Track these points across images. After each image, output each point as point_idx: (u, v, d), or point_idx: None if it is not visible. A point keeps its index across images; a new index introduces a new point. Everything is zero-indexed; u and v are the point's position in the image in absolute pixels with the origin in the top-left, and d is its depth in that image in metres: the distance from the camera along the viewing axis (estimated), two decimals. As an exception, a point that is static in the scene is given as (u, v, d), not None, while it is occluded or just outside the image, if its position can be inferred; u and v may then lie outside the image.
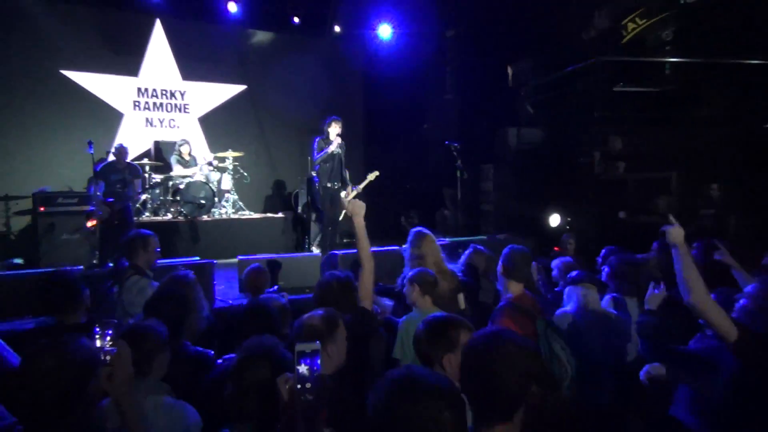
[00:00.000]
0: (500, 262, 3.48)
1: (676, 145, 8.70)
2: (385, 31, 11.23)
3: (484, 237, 8.27)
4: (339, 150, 7.59)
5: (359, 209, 3.03)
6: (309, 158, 8.48)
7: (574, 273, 3.80)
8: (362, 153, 12.01)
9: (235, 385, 1.94)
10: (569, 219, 8.33)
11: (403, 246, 4.35)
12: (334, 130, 7.59)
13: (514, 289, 3.40)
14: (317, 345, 1.85)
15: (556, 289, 4.43)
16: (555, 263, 4.78)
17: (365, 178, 8.74)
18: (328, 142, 7.56)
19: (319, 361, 1.79)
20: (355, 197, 8.73)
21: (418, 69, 11.86)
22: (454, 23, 11.89)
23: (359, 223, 3.03)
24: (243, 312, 3.01)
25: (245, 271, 4.53)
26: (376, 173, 8.59)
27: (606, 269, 4.06)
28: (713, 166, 8.11)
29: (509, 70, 10.84)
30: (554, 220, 8.22)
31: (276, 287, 5.18)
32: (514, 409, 1.60)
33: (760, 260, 4.38)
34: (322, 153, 7.53)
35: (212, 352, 2.89)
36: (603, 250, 4.76)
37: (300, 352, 1.81)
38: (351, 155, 9.93)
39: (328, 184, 7.72)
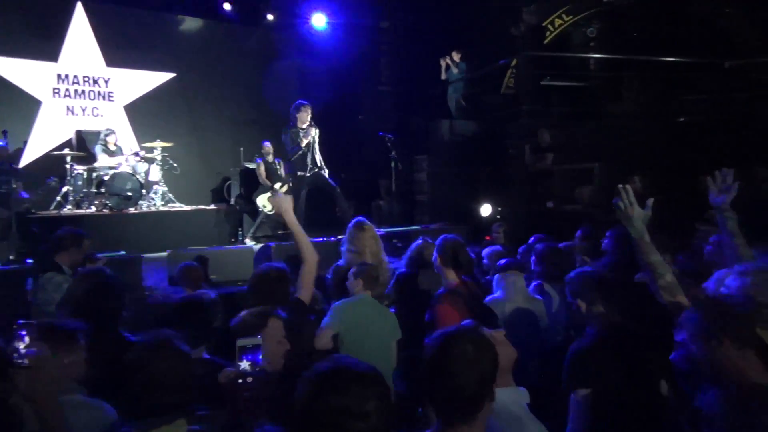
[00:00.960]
0: (435, 252, 3.54)
1: (599, 137, 9.10)
2: (319, 20, 11.11)
3: (418, 227, 8.39)
4: (312, 138, 7.28)
5: (286, 204, 2.97)
6: (282, 154, 8.12)
7: (502, 261, 3.92)
8: (297, 144, 11.88)
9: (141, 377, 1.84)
10: (500, 209, 8.57)
11: (341, 237, 4.35)
12: (304, 116, 7.22)
13: (452, 276, 3.47)
14: (259, 340, 1.85)
15: (487, 277, 4.55)
16: (485, 252, 4.91)
17: None
18: (299, 133, 7.20)
19: (260, 356, 1.79)
20: (287, 192, 8.66)
21: (354, 59, 11.84)
22: (389, 15, 11.93)
23: (290, 219, 2.97)
24: (176, 306, 2.94)
25: (179, 266, 4.42)
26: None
27: (533, 257, 4.21)
28: (633, 158, 8.54)
29: (442, 63, 10.99)
30: (485, 209, 8.44)
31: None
32: (476, 410, 1.59)
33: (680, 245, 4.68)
34: (296, 149, 7.21)
35: None
36: (531, 238, 4.93)
37: (241, 347, 1.80)
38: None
39: (305, 174, 7.44)
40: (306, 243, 2.99)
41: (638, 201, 2.58)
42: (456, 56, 10.16)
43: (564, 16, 11.23)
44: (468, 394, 1.57)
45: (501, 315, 3.52)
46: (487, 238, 6.70)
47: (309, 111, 7.27)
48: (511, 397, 1.93)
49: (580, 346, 2.46)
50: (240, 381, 1.77)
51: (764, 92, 9.93)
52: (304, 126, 7.26)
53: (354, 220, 4.17)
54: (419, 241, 4.56)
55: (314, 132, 7.34)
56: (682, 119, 9.71)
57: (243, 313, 2.42)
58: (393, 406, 1.47)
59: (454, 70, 10.70)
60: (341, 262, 4.14)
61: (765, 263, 2.13)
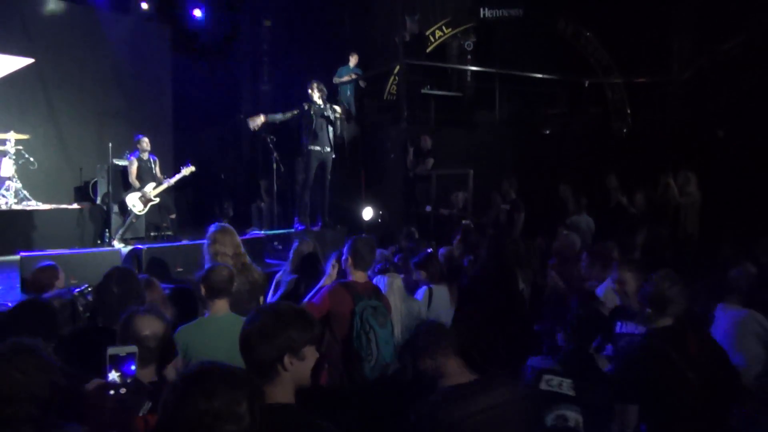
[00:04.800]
0: (345, 254, 3.47)
1: (472, 144, 9.64)
2: (198, 13, 10.72)
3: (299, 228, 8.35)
4: (322, 109, 7.28)
5: None
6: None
7: (379, 265, 4.04)
8: (171, 140, 11.35)
9: None
10: (381, 212, 8.77)
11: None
12: (316, 93, 7.29)
13: (359, 277, 3.44)
14: (133, 348, 1.74)
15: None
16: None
17: (178, 170, 8.30)
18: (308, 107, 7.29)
19: (133, 366, 1.70)
20: (165, 190, 8.26)
21: (234, 56, 11.57)
22: (273, 14, 11.79)
23: None
24: (10, 312, 2.73)
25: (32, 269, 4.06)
26: (192, 169, 8.19)
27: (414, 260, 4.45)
28: (503, 165, 9.13)
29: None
30: (367, 213, 8.59)
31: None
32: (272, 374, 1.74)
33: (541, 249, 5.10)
34: (288, 113, 7.37)
35: None
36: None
37: (112, 356, 1.69)
38: (159, 142, 9.36)
39: (316, 147, 7.34)
40: None
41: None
42: (352, 60, 10.25)
43: (444, 28, 11.79)
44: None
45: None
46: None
47: (317, 87, 7.38)
48: None
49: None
50: (111, 392, 1.67)
51: (616, 108, 11.10)
52: (317, 101, 7.33)
53: (212, 225, 3.98)
54: (295, 243, 4.58)
55: (326, 107, 7.41)
56: (546, 131, 10.55)
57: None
58: (265, 406, 1.47)
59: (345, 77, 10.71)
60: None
61: None
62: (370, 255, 3.48)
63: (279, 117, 7.48)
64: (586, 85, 10.67)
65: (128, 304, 2.50)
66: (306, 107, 7.39)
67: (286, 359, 1.72)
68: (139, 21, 10.80)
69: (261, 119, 7.32)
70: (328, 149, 7.55)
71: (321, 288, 3.44)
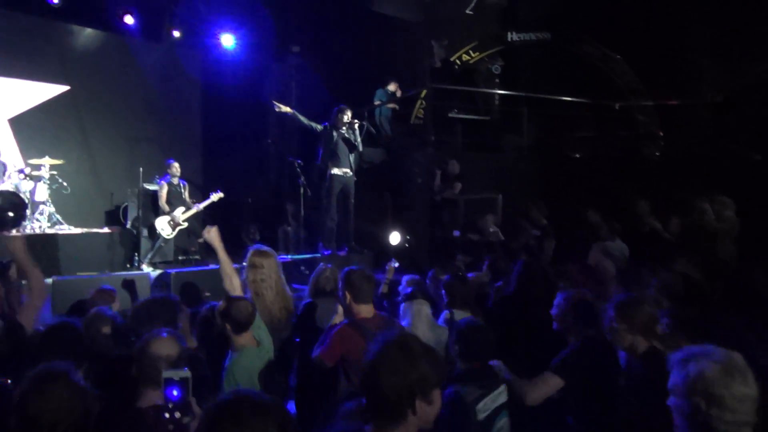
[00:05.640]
0: (342, 287, 3.32)
1: (500, 169, 9.59)
2: (227, 40, 10.95)
3: (326, 253, 8.36)
4: (345, 134, 7.38)
5: (214, 234, 3.30)
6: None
7: (408, 289, 4.01)
8: (200, 164, 11.57)
9: (19, 419, 1.72)
10: (408, 237, 8.74)
11: (243, 264, 4.25)
12: (345, 117, 7.44)
13: (365, 311, 3.24)
14: (187, 374, 1.75)
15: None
16: (405, 279, 5.00)
17: (207, 195, 8.45)
18: (330, 129, 7.46)
19: (186, 390, 1.71)
20: (194, 215, 8.40)
21: (262, 82, 11.75)
22: (300, 39, 11.99)
23: (221, 253, 3.28)
24: (42, 335, 2.77)
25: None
26: (221, 195, 8.38)
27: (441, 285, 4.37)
28: (531, 190, 9.06)
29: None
30: (394, 237, 8.55)
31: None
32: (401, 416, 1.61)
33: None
34: (312, 122, 7.56)
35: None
36: (429, 272, 5.09)
37: (168, 380, 1.71)
38: (188, 166, 9.55)
39: (338, 171, 7.43)
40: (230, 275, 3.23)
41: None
42: (391, 86, 10.38)
43: (471, 52, 11.85)
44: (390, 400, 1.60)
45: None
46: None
47: (345, 113, 7.54)
48: None
49: None
50: (166, 415, 1.69)
51: (647, 131, 10.94)
52: (343, 127, 7.48)
53: (252, 247, 3.98)
54: (319, 267, 4.55)
55: (350, 127, 7.54)
56: (574, 155, 10.45)
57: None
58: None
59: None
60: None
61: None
62: (368, 284, 3.27)
63: (304, 120, 7.63)
64: (617, 107, 10.56)
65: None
66: (328, 129, 7.47)
67: (417, 402, 1.60)
68: (170, 49, 11.09)
69: (288, 108, 7.61)
70: (350, 173, 7.59)
71: (329, 331, 3.25)
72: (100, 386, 2.17)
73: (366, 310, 3.23)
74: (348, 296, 3.24)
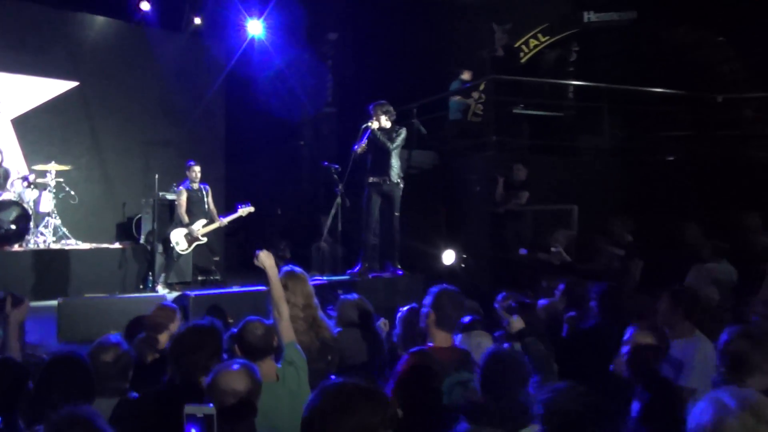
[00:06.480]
0: (428, 304, 3.41)
1: (575, 175, 9.43)
2: (255, 27, 11.19)
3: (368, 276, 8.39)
4: (380, 136, 7.39)
5: (270, 261, 3.49)
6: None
7: (467, 318, 3.99)
8: (223, 171, 11.83)
9: None
10: (465, 256, 8.70)
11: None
12: (383, 117, 7.45)
13: (443, 340, 3.32)
14: (211, 410, 1.83)
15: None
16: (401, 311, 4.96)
17: (233, 207, 8.59)
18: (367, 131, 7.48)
19: (209, 428, 1.77)
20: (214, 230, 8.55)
21: (295, 75, 11.94)
22: (337, 25, 12.14)
23: (271, 276, 3.47)
24: (45, 369, 2.86)
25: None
26: (250, 209, 8.50)
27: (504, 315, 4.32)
28: (611, 200, 8.89)
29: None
30: (448, 256, 8.52)
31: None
32: None
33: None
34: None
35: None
36: (499, 296, 5.04)
37: (189, 416, 1.78)
38: (210, 173, 9.76)
39: (376, 179, 7.53)
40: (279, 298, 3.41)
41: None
42: (467, 75, 10.45)
43: (540, 36, 11.76)
44: None
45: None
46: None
47: (382, 110, 7.49)
48: None
49: None
50: None
51: (758, 131, 10.56)
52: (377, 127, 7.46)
53: (283, 269, 4.04)
54: (350, 297, 4.53)
55: (383, 130, 7.48)
56: (669, 157, 10.19)
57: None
58: (397, 423, 1.78)
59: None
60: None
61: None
62: (457, 311, 3.40)
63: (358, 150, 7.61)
64: (720, 100, 10.27)
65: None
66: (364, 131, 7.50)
67: None
68: (191, 39, 11.41)
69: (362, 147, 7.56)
70: (391, 180, 7.57)
71: (400, 361, 3.30)
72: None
73: (444, 339, 3.35)
74: (431, 317, 3.34)
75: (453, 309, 3.37)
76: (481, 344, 3.82)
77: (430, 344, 3.35)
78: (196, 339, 2.98)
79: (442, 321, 3.33)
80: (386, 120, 7.49)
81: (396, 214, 7.69)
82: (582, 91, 10.89)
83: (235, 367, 2.53)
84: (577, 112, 10.93)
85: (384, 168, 7.49)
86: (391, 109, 7.62)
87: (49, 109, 10.35)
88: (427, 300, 3.43)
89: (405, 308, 4.49)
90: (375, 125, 7.41)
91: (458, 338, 3.94)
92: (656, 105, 10.28)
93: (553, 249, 7.88)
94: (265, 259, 3.52)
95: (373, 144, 7.46)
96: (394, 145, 7.44)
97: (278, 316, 3.36)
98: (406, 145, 10.16)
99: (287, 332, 3.35)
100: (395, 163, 7.55)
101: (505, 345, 4.10)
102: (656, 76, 10.32)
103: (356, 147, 7.51)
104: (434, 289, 3.46)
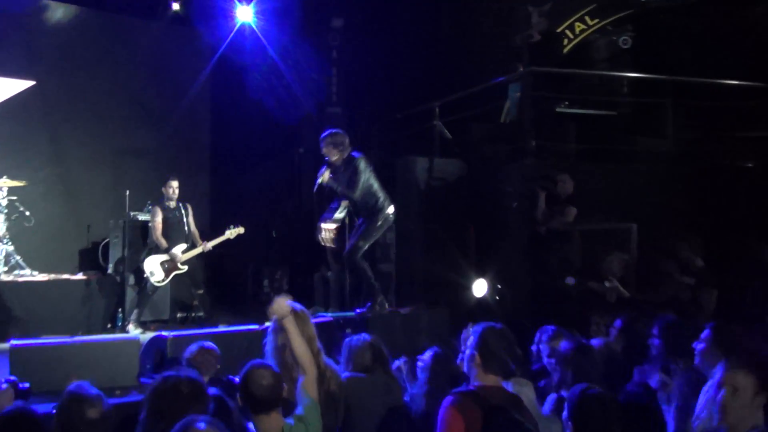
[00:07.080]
0: (473, 345, 3.48)
1: (633, 186, 9.38)
2: (245, 13, 11.27)
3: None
4: (337, 188, 7.80)
5: (284, 309, 3.64)
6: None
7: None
8: (208, 184, 11.91)
9: None
10: (499, 286, 8.64)
11: (266, 324, 4.30)
12: (332, 152, 7.82)
13: (491, 382, 3.40)
14: None
15: None
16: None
17: (220, 230, 8.63)
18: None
19: None
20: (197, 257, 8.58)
21: (292, 69, 12.00)
22: (343, 9, 12.20)
23: (290, 328, 3.61)
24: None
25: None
26: (240, 230, 8.56)
27: (551, 359, 4.29)
28: (679, 217, 8.83)
29: None
30: (480, 287, 8.46)
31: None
32: None
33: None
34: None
35: None
36: (537, 334, 5.02)
37: None
38: (192, 187, 9.82)
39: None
40: (303, 354, 3.60)
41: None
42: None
43: (587, 19, 11.76)
44: None
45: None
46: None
47: (327, 143, 7.88)
48: None
49: None
50: None
51: None
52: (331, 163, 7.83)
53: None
54: (362, 338, 4.58)
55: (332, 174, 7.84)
56: (747, 164, 10.12)
57: None
58: None
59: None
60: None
61: None
62: (506, 352, 3.41)
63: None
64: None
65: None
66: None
67: None
68: (169, 29, 11.50)
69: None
70: (379, 214, 7.83)
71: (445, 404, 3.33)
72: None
73: (492, 381, 3.39)
74: (477, 359, 3.40)
75: (503, 350, 3.39)
76: (521, 392, 3.79)
77: (477, 383, 3.40)
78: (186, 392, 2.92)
79: (490, 364, 3.37)
80: (337, 154, 7.70)
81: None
82: (640, 84, 10.86)
83: (202, 425, 2.44)
84: (633, 110, 10.89)
85: (362, 207, 7.88)
86: (345, 140, 7.83)
87: (0, 113, 10.45)
88: (474, 340, 3.48)
89: (427, 355, 4.50)
90: (326, 176, 7.75)
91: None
92: (731, 100, 10.22)
93: (607, 283, 7.84)
94: (279, 309, 3.68)
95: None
96: (357, 192, 7.68)
97: (303, 372, 3.56)
98: (427, 153, 10.24)
99: (311, 389, 3.52)
100: (369, 199, 7.80)
101: (552, 396, 4.09)
102: (730, 65, 10.28)
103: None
104: (478, 328, 3.51)
